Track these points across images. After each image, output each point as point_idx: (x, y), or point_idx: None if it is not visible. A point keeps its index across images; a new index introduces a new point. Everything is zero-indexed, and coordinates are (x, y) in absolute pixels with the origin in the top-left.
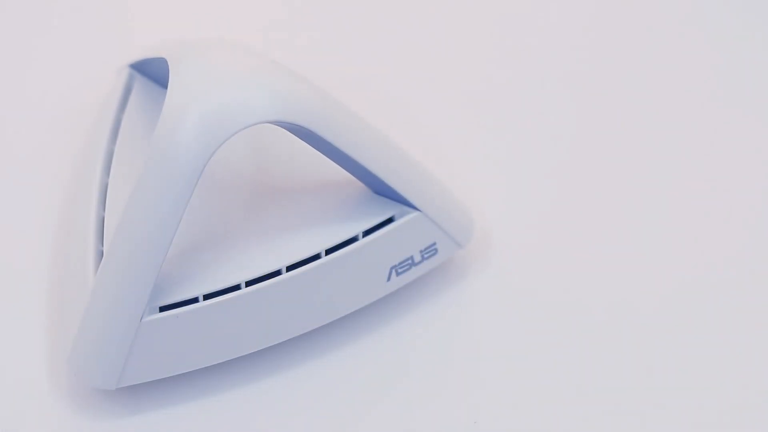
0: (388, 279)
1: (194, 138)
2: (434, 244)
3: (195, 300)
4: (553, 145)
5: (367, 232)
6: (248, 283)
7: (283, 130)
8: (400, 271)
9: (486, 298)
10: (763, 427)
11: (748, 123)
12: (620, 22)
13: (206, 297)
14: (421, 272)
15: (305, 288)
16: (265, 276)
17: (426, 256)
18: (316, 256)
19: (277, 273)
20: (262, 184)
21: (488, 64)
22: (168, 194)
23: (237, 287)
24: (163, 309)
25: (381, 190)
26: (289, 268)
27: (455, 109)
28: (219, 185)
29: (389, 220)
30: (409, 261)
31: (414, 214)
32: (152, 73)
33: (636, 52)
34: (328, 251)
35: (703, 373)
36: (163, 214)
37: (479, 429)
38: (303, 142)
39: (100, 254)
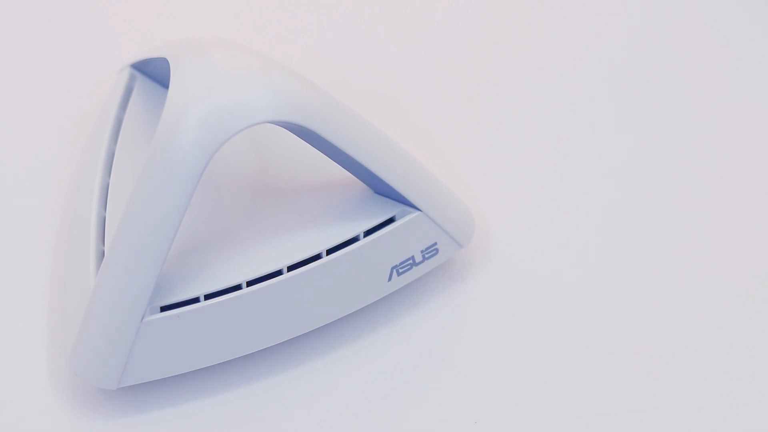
0: (389, 279)
1: (195, 138)
2: (435, 244)
3: (196, 300)
4: (554, 146)
5: (368, 232)
6: (249, 283)
7: (284, 130)
8: (401, 271)
9: (486, 298)
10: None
11: (748, 122)
12: (620, 21)
13: (207, 297)
14: (422, 272)
15: (306, 288)
16: (266, 276)
17: (427, 256)
18: (317, 256)
19: (278, 273)
20: (263, 184)
21: (488, 64)
22: (169, 194)
23: (238, 287)
24: (164, 309)
25: (382, 189)
26: (290, 268)
27: (455, 109)
28: (220, 185)
29: (390, 220)
30: (410, 261)
31: (415, 214)
32: (153, 73)
33: (636, 52)
34: (329, 251)
35: (703, 372)
36: (164, 214)
37: (479, 429)
38: (304, 142)
39: (101, 254)
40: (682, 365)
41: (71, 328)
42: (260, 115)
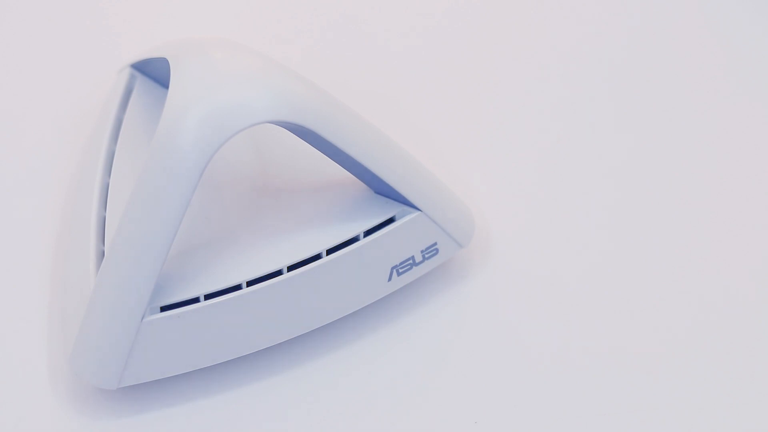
0: (389, 279)
1: (195, 138)
2: (435, 244)
3: (196, 300)
4: (554, 146)
5: (368, 232)
6: (249, 283)
7: (284, 130)
8: (401, 271)
9: (486, 298)
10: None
11: (748, 122)
12: (620, 21)
13: (207, 297)
14: (422, 272)
15: (306, 288)
16: (266, 276)
17: (427, 256)
18: (317, 256)
19: (278, 273)
20: (263, 184)
21: (488, 64)
22: (169, 194)
23: (238, 287)
24: (164, 309)
25: (382, 189)
26: (290, 268)
27: (455, 109)
28: (220, 185)
29: (390, 220)
30: (410, 261)
31: (415, 214)
32: (153, 73)
33: (636, 52)
34: (329, 251)
35: (703, 372)
36: (164, 214)
37: (479, 429)
38: (304, 142)
39: (101, 254)
40: (682, 365)
41: (71, 328)
42: (260, 115)
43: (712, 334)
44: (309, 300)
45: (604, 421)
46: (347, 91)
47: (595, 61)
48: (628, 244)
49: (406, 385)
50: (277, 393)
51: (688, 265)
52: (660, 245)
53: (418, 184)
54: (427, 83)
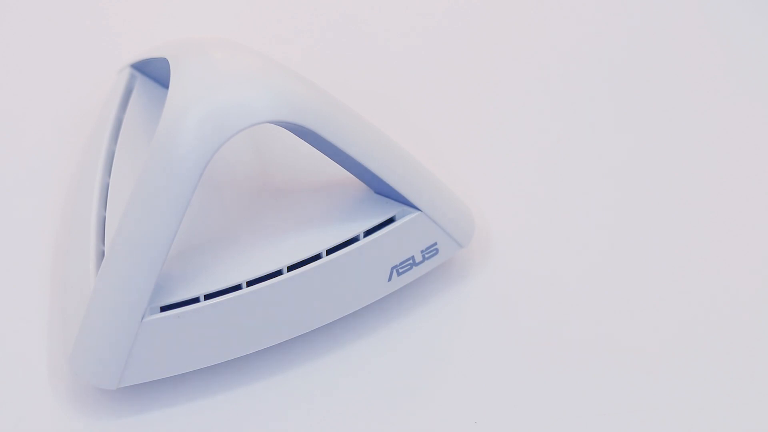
0: (389, 279)
1: (195, 138)
2: (435, 244)
3: (196, 300)
4: (554, 146)
5: (368, 232)
6: (249, 283)
7: (284, 130)
8: (401, 271)
9: (486, 298)
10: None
11: (748, 122)
12: (620, 21)
13: (207, 297)
14: (422, 272)
15: (306, 288)
16: (266, 276)
17: (427, 256)
18: (317, 256)
19: (278, 273)
20: (263, 183)
21: (488, 64)
22: (169, 194)
23: (238, 287)
24: (164, 309)
25: (382, 189)
26: (290, 268)
27: (455, 109)
28: (220, 185)
29: (390, 220)
30: (410, 261)
31: (415, 214)
32: (153, 73)
33: (636, 52)
34: (329, 251)
35: (703, 372)
36: (164, 214)
37: (479, 429)
38: (304, 142)
39: (101, 254)
40: (682, 365)
41: (71, 328)
42: (260, 115)
43: (712, 334)
44: (309, 300)
45: (604, 421)
46: (347, 91)
47: (595, 61)
48: (629, 244)
49: (406, 385)
50: (277, 393)
51: (688, 265)
52: (660, 245)
53: (418, 184)
54: (427, 83)
